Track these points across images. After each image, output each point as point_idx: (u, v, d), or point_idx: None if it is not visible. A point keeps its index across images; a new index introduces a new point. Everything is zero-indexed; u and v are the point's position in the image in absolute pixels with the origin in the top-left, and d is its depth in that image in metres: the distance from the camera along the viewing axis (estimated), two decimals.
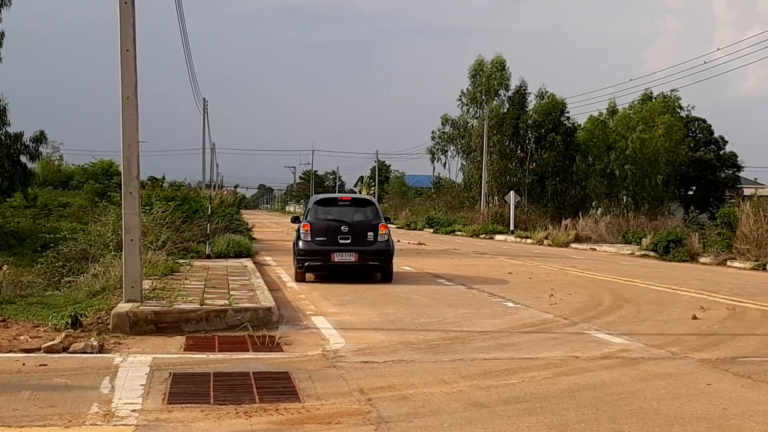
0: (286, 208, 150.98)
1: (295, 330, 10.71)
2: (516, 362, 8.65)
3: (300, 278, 17.56)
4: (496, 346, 9.67)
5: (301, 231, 17.80)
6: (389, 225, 18.89)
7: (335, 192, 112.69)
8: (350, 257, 17.29)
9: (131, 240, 11.01)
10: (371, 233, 17.60)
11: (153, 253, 16.72)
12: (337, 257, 17.27)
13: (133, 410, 6.44)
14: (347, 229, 17.48)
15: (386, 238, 17.78)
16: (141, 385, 7.25)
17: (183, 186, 40.97)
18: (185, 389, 7.12)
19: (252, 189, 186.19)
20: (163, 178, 42.45)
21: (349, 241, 17.41)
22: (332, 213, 18.18)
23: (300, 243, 17.62)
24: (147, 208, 20.90)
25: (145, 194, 25.13)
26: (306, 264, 17.49)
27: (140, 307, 10.45)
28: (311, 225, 17.66)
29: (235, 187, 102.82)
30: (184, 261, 18.38)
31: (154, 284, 12.99)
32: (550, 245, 37.30)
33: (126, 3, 10.95)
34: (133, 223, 11.04)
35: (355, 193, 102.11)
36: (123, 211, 11.17)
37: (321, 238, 17.45)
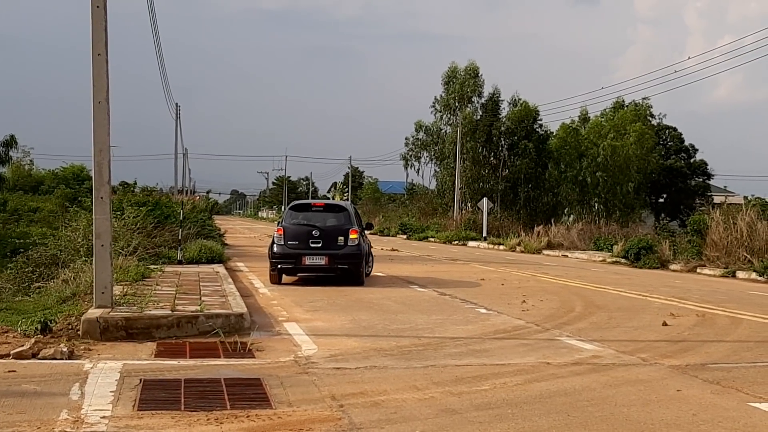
0: (259, 213, 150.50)
1: (267, 336, 10.67)
2: (488, 368, 8.67)
3: (275, 280, 18.13)
4: (469, 353, 9.69)
5: (275, 235, 18.42)
6: (368, 231, 19.42)
7: (308, 198, 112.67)
8: (320, 260, 17.89)
9: (102, 245, 10.93)
10: (342, 238, 18.09)
11: (124, 259, 16.62)
12: (308, 260, 17.87)
13: (103, 417, 6.39)
14: (318, 233, 18.03)
15: (357, 242, 18.15)
16: (111, 392, 7.19)
17: (155, 191, 40.82)
18: (156, 396, 7.08)
19: (225, 194, 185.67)
20: (135, 183, 42.21)
21: (319, 245, 17.94)
22: (305, 218, 18.75)
23: (274, 246, 18.27)
24: (118, 213, 20.77)
25: (117, 199, 24.97)
26: (279, 266, 18.10)
27: (111, 313, 10.36)
28: (285, 229, 18.27)
29: (208, 192, 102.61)
30: (156, 267, 18.28)
31: (125, 290, 12.90)
32: (522, 252, 37.46)
33: (98, 7, 10.88)
34: (103, 229, 10.96)
35: (329, 199, 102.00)
36: (94, 216, 11.07)
37: (293, 242, 18.02)
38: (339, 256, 17.96)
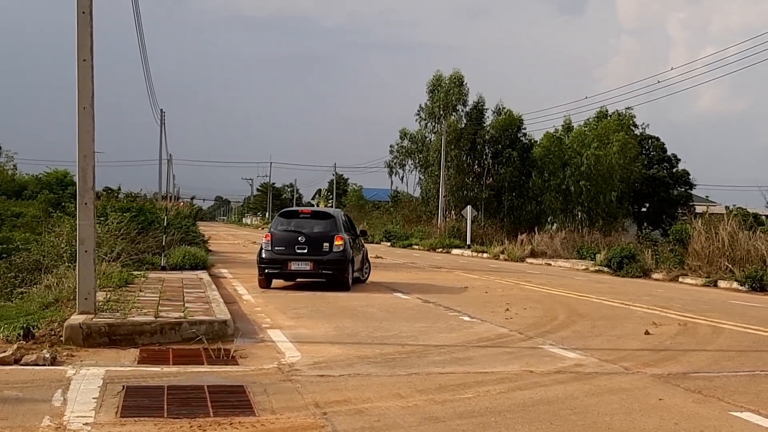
0: (244, 220, 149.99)
1: (250, 343, 10.65)
2: (471, 376, 8.69)
3: (263, 285, 18.67)
4: (452, 361, 9.71)
5: (263, 241, 19.04)
6: (363, 238, 20.18)
7: (293, 205, 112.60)
8: (306, 266, 18.39)
9: (85, 251, 10.89)
10: (327, 244, 18.46)
11: (107, 265, 16.55)
12: (294, 266, 18.38)
13: (86, 423, 6.37)
14: (304, 239, 18.50)
15: (342, 249, 18.50)
16: (94, 398, 7.16)
17: (139, 197, 40.63)
18: (138, 402, 7.06)
19: (209, 201, 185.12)
20: (119, 188, 42.13)
21: (305, 250, 18.41)
22: (293, 224, 19.21)
23: (262, 252, 18.82)
24: (102, 219, 20.66)
25: (101, 205, 24.82)
26: (266, 271, 18.64)
27: (94, 319, 10.33)
28: (272, 235, 18.88)
29: (192, 198, 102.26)
30: (139, 273, 18.21)
31: (109, 296, 12.86)
32: (506, 260, 37.55)
33: (84, 13, 10.87)
34: (87, 234, 10.93)
35: (313, 206, 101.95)
36: (78, 222, 11.04)
37: (280, 248, 18.52)
38: (323, 262, 18.33)
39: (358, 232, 21.34)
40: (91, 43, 10.92)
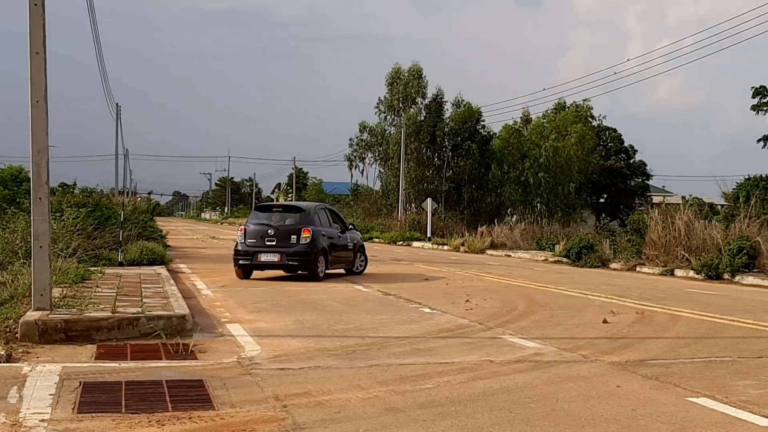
0: (202, 215, 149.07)
1: (209, 338, 10.58)
2: (432, 367, 8.71)
3: (240, 276, 19.64)
4: (413, 352, 9.72)
5: (238, 233, 20.33)
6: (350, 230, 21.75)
7: (252, 199, 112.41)
8: (274, 257, 19.29)
9: (40, 247, 10.74)
10: (294, 236, 19.35)
11: (63, 261, 16.34)
12: (263, 257, 19.30)
13: (42, 420, 6.28)
14: (273, 232, 19.48)
15: (308, 241, 19.32)
16: (50, 395, 7.07)
17: (95, 192, 40.26)
18: (96, 398, 6.98)
19: (167, 196, 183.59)
20: (75, 184, 41.59)
21: (274, 243, 19.37)
22: (265, 218, 20.42)
23: (237, 244, 19.97)
24: (57, 214, 20.42)
25: (56, 201, 24.55)
26: (240, 262, 19.66)
27: (50, 316, 10.19)
28: (246, 229, 20.11)
29: (149, 193, 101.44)
30: (96, 269, 18.01)
31: (65, 292, 12.69)
32: (466, 252, 37.72)
33: (36, 5, 10.69)
34: (42, 230, 10.77)
35: (272, 200, 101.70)
36: (32, 218, 10.87)
37: (252, 240, 19.61)
38: (290, 254, 19.20)
39: (348, 226, 22.23)
40: (44, 35, 10.74)
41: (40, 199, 10.71)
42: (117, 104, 62.67)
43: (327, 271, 20.11)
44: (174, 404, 6.81)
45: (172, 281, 16.90)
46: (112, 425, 6.20)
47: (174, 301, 12.75)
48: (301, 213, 20.20)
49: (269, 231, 19.48)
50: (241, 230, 20.28)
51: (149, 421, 6.30)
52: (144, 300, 12.58)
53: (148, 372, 8.20)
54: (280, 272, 20.20)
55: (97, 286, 14.54)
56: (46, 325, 9.88)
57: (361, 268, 22.13)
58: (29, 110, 10.66)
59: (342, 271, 21.61)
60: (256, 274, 20.02)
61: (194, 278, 19.80)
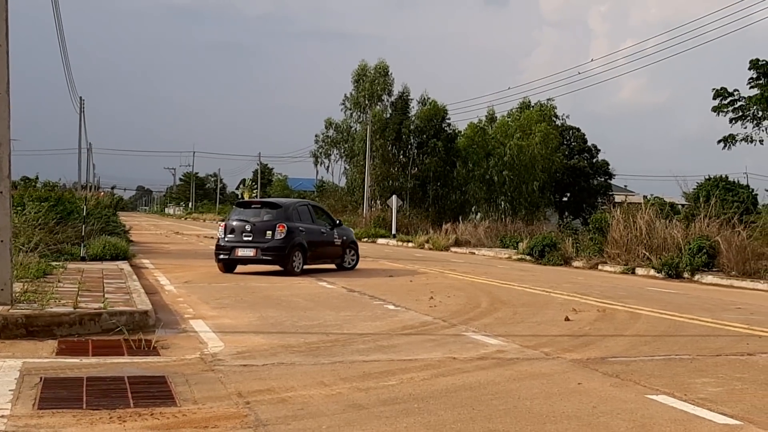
0: (166, 210, 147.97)
1: (172, 334, 10.53)
2: (395, 364, 8.74)
3: (222, 270, 20.27)
4: (376, 349, 9.75)
5: (219, 229, 21.20)
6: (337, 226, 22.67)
7: (216, 195, 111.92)
8: (250, 252, 20.02)
9: (1, 241, 10.60)
10: (270, 232, 20.06)
11: (25, 255, 16.14)
12: (240, 252, 20.07)
13: (2, 416, 6.21)
14: (250, 227, 20.17)
15: (283, 236, 19.98)
16: (10, 390, 7.00)
17: (57, 187, 39.87)
18: (57, 394, 6.92)
19: (130, 191, 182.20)
20: (37, 178, 41.28)
21: (250, 238, 20.07)
22: (245, 214, 21.09)
23: (218, 240, 20.74)
24: (19, 208, 20.22)
25: (17, 194, 24.29)
26: (219, 257, 20.37)
27: (10, 311, 10.08)
28: (226, 224, 20.90)
29: (112, 188, 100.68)
30: (58, 263, 17.83)
31: (26, 287, 12.54)
32: (431, 249, 37.83)
33: None
34: (3, 224, 10.64)
35: (238, 196, 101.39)
36: None
37: (231, 236, 20.36)
38: (264, 249, 19.88)
39: (336, 222, 23.19)
40: (7, 27, 10.61)
41: (1, 192, 10.59)
42: (81, 98, 62.10)
43: (313, 266, 21.05)
44: (136, 400, 6.77)
45: (134, 277, 16.78)
46: (72, 421, 6.15)
47: (137, 296, 12.66)
48: (278, 209, 20.87)
49: (247, 227, 20.13)
50: (221, 225, 21.04)
51: (110, 417, 6.26)
52: (106, 295, 12.48)
53: (110, 368, 8.14)
54: (261, 267, 20.64)
55: (59, 281, 14.40)
56: (7, 320, 9.77)
57: (353, 264, 22.89)
58: None
59: (333, 266, 22.39)
60: (236, 269, 20.58)
61: (157, 274, 19.67)
